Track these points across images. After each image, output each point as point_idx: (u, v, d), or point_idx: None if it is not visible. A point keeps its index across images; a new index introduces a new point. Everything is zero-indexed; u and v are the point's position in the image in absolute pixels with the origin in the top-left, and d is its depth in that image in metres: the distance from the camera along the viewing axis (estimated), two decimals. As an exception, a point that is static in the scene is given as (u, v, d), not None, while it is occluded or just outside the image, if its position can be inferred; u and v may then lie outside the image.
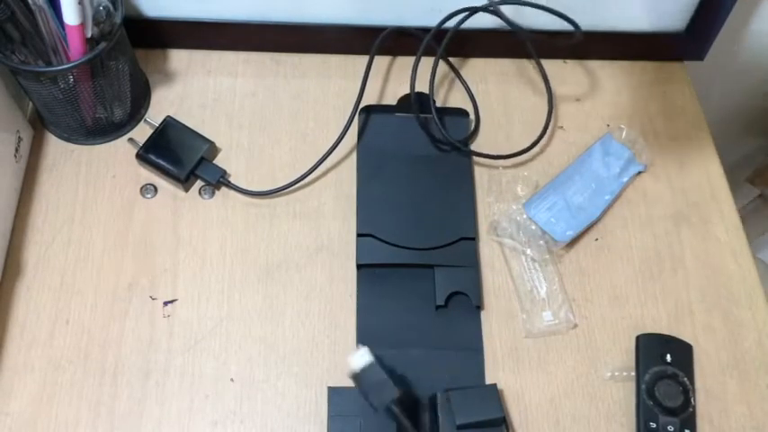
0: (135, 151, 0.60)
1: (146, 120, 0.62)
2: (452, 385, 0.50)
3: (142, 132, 0.62)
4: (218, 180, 0.59)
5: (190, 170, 0.59)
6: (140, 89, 0.63)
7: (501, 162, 0.62)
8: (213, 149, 0.61)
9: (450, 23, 0.63)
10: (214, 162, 0.61)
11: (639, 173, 0.63)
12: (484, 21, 0.63)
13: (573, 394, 0.54)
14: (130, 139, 0.62)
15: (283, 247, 0.58)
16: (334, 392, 0.50)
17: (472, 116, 0.65)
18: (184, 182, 0.59)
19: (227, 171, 0.60)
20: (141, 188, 0.60)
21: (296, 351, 0.54)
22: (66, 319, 0.54)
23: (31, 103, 0.62)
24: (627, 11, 0.66)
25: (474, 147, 0.63)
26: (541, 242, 0.58)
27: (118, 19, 0.56)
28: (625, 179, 0.61)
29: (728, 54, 0.78)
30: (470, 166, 0.61)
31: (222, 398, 0.52)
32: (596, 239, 0.60)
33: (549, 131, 0.64)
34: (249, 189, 0.59)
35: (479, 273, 0.57)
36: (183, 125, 0.61)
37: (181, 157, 0.59)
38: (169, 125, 0.61)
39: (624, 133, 0.64)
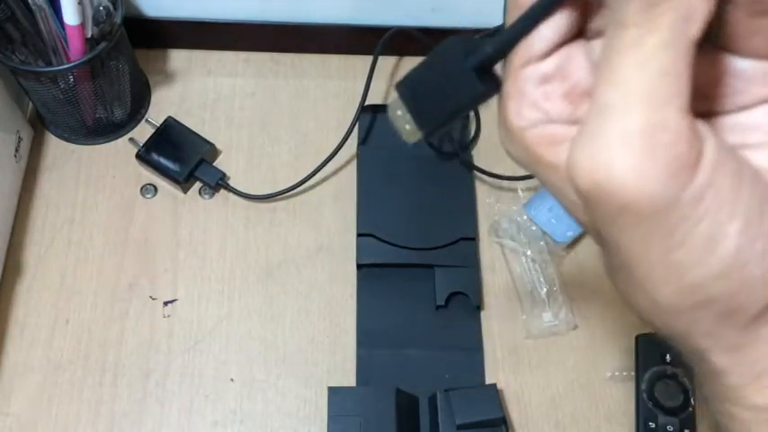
0: (135, 151, 0.60)
1: (147, 120, 0.62)
2: (452, 385, 0.50)
3: (143, 132, 0.62)
4: (217, 182, 0.59)
5: (189, 171, 0.59)
6: (140, 89, 0.63)
7: (500, 177, 0.62)
8: (214, 151, 0.61)
9: (454, 24, 0.63)
10: (214, 164, 0.61)
11: None
12: (490, 20, 0.63)
13: (573, 394, 0.54)
14: (131, 139, 0.62)
15: (283, 247, 0.58)
16: (334, 392, 0.50)
17: (473, 119, 0.64)
18: (183, 183, 0.59)
19: (228, 172, 0.60)
20: (141, 188, 0.60)
21: (296, 351, 0.54)
22: (66, 319, 0.54)
23: (31, 103, 0.62)
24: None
25: (475, 151, 0.63)
26: (542, 243, 0.58)
27: (118, 19, 0.56)
28: None
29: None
30: (471, 166, 0.61)
31: (222, 398, 0.52)
32: (596, 239, 0.60)
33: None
34: (248, 192, 0.59)
35: (479, 273, 0.57)
36: (184, 126, 0.61)
37: (180, 158, 0.59)
38: (170, 126, 0.61)
39: None
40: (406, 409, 0.50)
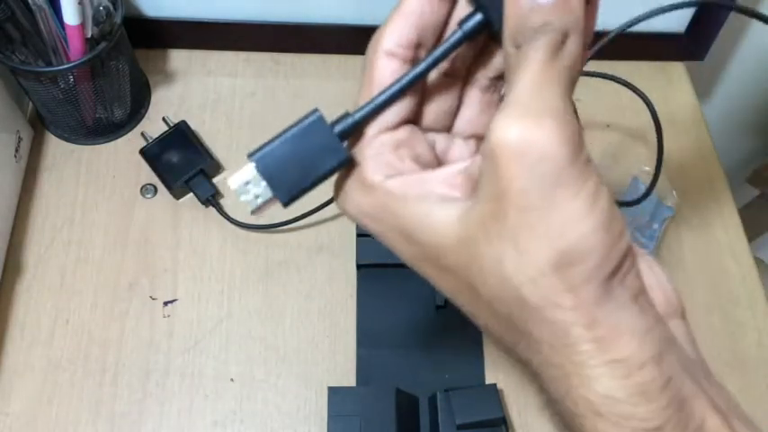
0: (136, 150, 0.60)
1: (164, 118, 0.62)
2: (452, 385, 0.50)
3: (157, 128, 0.61)
4: (207, 198, 0.59)
5: (183, 181, 0.58)
6: (140, 89, 0.63)
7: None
8: (215, 166, 0.61)
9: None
10: (213, 180, 0.60)
11: (667, 218, 0.60)
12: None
13: (573, 394, 0.54)
14: (142, 133, 0.61)
15: (283, 247, 0.58)
16: (334, 392, 0.50)
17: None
18: (172, 190, 0.59)
19: (227, 172, 0.60)
20: (141, 188, 0.60)
21: (296, 351, 0.54)
22: (66, 319, 0.54)
23: (31, 103, 0.62)
24: (626, 11, 0.66)
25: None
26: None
27: (118, 19, 0.56)
28: (656, 226, 0.59)
29: (728, 54, 0.78)
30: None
31: (222, 398, 0.52)
32: (596, 239, 0.60)
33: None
34: (236, 219, 0.58)
35: (479, 273, 0.57)
36: (194, 134, 0.60)
37: (178, 166, 0.59)
38: (180, 131, 0.60)
39: (649, 175, 0.61)
40: (406, 409, 0.50)
